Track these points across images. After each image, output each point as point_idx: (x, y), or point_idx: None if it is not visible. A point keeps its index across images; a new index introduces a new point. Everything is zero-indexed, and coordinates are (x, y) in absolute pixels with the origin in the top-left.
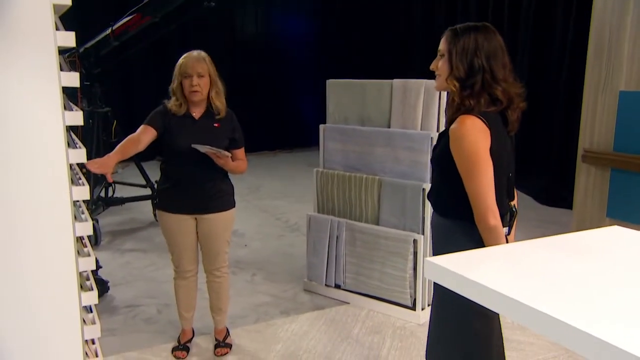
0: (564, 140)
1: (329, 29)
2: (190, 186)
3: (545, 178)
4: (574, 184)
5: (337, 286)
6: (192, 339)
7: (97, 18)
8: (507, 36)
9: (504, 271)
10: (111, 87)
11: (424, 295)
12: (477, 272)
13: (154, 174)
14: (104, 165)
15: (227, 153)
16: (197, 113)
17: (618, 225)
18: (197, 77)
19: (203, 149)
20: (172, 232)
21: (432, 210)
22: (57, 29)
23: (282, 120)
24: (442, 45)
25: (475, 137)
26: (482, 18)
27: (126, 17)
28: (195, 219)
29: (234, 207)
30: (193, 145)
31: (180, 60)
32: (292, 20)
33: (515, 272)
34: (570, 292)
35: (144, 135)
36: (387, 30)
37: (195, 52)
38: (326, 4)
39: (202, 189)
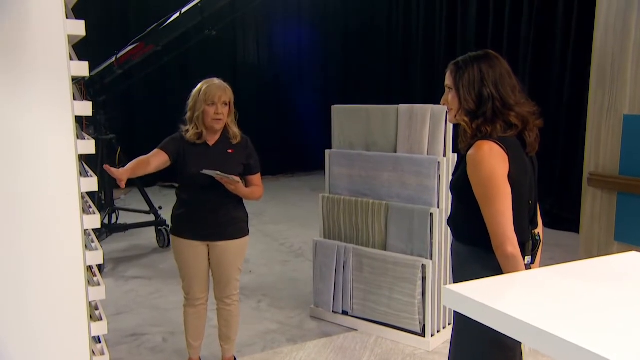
0: (567, 162)
1: (331, 54)
2: (203, 212)
3: (549, 201)
4: (578, 206)
5: (345, 312)
6: None
7: (102, 46)
8: (507, 59)
9: (524, 298)
10: (115, 114)
11: (434, 322)
12: (496, 299)
13: (157, 200)
14: (118, 173)
15: (236, 179)
16: (211, 140)
17: (626, 248)
18: (222, 105)
19: (212, 174)
20: (184, 258)
21: (452, 236)
22: (70, 59)
23: (284, 145)
24: (448, 80)
25: (493, 162)
26: (482, 40)
27: (130, 45)
28: (208, 245)
29: (248, 235)
30: (203, 171)
31: (203, 87)
32: (294, 45)
33: (535, 300)
34: (594, 320)
35: (155, 159)
36: (389, 55)
37: (216, 80)
38: (328, 29)
39: (215, 216)
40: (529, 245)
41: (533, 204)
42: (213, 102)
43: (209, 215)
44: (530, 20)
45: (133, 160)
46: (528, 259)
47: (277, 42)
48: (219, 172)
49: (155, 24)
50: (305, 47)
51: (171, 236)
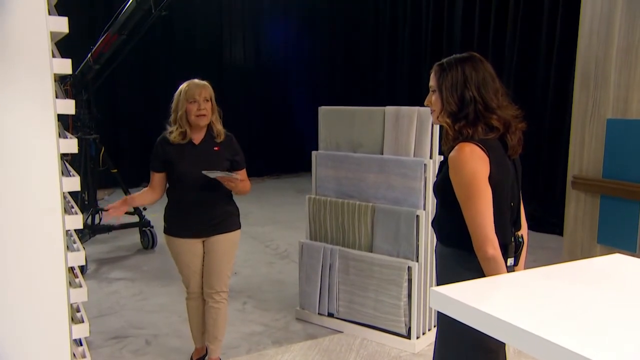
0: (551, 165)
1: (318, 55)
2: (195, 211)
3: (533, 204)
4: (561, 209)
5: (330, 314)
6: (205, 356)
7: (86, 43)
8: (492, 62)
9: (509, 300)
10: (98, 114)
11: (419, 324)
12: (483, 301)
13: None
14: (117, 208)
15: (237, 176)
16: (197, 138)
17: (609, 251)
18: (204, 101)
19: (213, 174)
20: (181, 256)
21: (435, 238)
22: (53, 56)
23: (270, 147)
24: (432, 81)
25: (474, 164)
26: (467, 42)
27: (99, 39)
28: (203, 242)
29: (240, 228)
30: (203, 172)
31: (184, 87)
32: (281, 46)
33: (520, 302)
34: (578, 321)
35: (156, 182)
36: (376, 57)
37: (196, 80)
38: (316, 30)
39: (207, 213)
40: (511, 247)
41: (515, 206)
42: (195, 100)
43: (201, 213)
44: (516, 24)
45: (140, 192)
46: (511, 260)
47: (264, 42)
48: (220, 172)
49: (116, 13)
50: (292, 48)
51: (165, 236)
